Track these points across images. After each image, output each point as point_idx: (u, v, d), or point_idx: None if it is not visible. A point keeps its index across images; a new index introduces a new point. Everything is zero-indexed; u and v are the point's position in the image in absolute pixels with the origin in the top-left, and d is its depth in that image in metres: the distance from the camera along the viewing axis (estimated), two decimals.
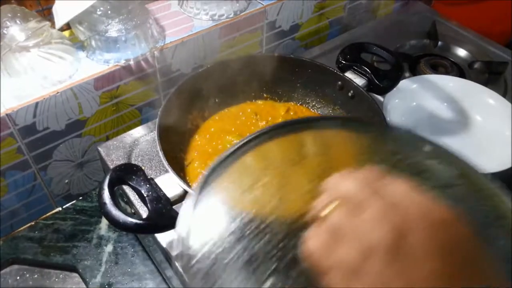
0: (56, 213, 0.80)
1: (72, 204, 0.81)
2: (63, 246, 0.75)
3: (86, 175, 0.81)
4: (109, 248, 0.75)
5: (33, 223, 0.78)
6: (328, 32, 1.08)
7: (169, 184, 0.53)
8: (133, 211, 0.67)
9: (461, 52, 1.00)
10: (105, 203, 0.48)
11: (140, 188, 0.51)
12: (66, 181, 0.79)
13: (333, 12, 1.04)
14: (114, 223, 0.47)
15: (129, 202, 0.67)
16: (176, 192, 0.52)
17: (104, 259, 0.74)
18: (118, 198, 0.75)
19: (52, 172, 0.76)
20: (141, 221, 0.47)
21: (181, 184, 0.52)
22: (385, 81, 0.68)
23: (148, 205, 0.50)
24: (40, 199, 0.78)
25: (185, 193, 0.52)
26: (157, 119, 0.60)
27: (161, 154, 0.55)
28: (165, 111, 0.62)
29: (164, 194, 0.51)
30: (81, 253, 0.75)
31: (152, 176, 0.68)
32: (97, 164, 0.81)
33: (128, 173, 0.52)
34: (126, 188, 0.66)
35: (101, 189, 0.49)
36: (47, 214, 0.79)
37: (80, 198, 0.82)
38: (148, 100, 0.82)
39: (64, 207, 0.81)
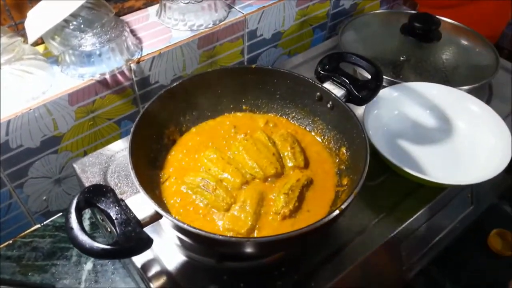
0: (34, 230, 0.78)
1: (51, 221, 0.80)
2: (41, 264, 0.74)
3: (64, 191, 0.80)
4: (88, 266, 0.74)
5: (11, 241, 0.76)
6: (312, 39, 1.07)
7: (141, 204, 0.51)
8: (109, 229, 0.66)
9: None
10: (71, 228, 0.47)
11: (109, 211, 0.49)
12: (44, 198, 0.78)
13: (316, 18, 1.03)
14: (80, 249, 0.46)
15: (105, 220, 0.66)
16: (147, 213, 0.51)
17: (84, 277, 0.73)
18: (97, 214, 0.73)
19: (28, 190, 0.74)
20: (108, 247, 0.46)
21: (152, 205, 0.51)
22: (364, 92, 0.66)
23: (117, 228, 0.48)
24: (18, 217, 0.76)
25: (156, 214, 0.51)
26: (130, 136, 0.58)
27: (132, 173, 0.54)
28: (139, 127, 0.60)
29: (134, 216, 0.50)
30: (60, 271, 0.73)
31: (128, 194, 0.67)
32: (75, 179, 0.79)
33: (97, 194, 0.50)
34: None
35: (67, 213, 0.48)
36: (25, 232, 0.78)
37: (60, 214, 0.81)
38: (126, 113, 0.81)
39: (42, 224, 0.79)
